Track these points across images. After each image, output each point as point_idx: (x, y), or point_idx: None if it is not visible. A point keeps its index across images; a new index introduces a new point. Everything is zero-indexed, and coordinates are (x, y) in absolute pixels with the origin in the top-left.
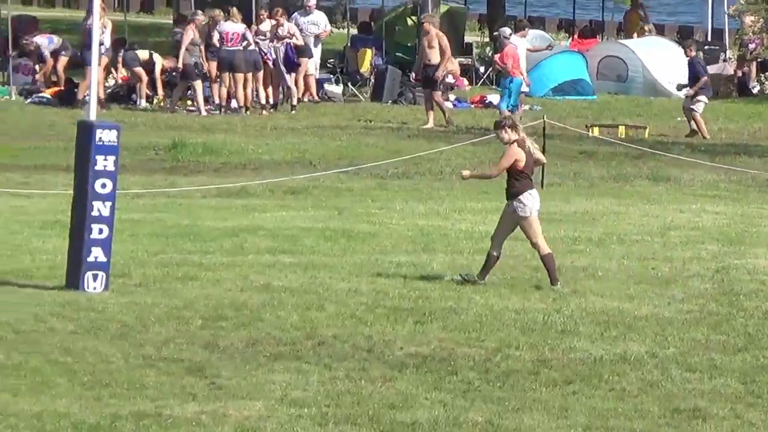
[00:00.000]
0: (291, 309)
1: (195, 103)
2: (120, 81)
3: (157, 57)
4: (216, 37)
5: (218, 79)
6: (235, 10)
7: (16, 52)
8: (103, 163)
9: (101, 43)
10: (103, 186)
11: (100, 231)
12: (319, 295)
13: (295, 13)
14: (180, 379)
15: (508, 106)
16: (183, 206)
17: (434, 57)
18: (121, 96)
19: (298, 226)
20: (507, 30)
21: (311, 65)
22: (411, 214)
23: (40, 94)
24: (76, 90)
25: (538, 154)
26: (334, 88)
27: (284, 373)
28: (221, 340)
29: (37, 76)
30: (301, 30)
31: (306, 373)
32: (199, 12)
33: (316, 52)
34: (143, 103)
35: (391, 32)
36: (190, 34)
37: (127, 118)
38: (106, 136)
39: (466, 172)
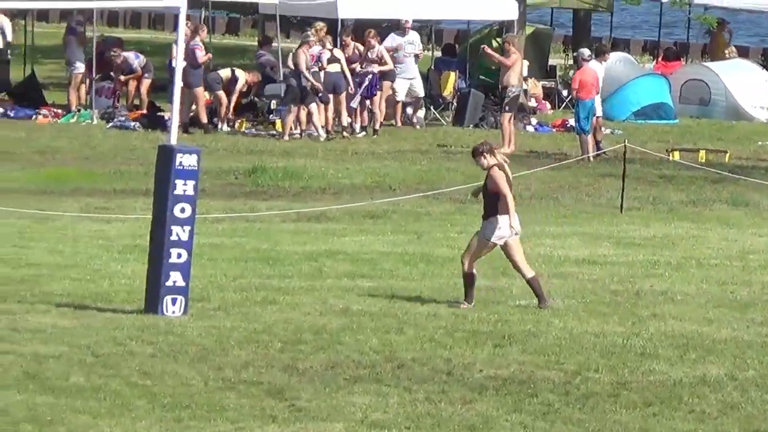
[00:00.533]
0: (370, 332)
1: (311, 126)
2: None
3: (239, 72)
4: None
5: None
6: (313, 32)
7: (99, 76)
8: (183, 187)
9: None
10: (183, 210)
11: (179, 255)
12: (398, 318)
13: (392, 33)
14: (260, 401)
15: (577, 130)
16: (262, 231)
17: (512, 79)
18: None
19: (378, 251)
20: (586, 51)
21: (401, 88)
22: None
23: (122, 118)
24: (159, 113)
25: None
26: (417, 112)
27: (364, 395)
28: (301, 363)
29: (129, 86)
30: (396, 50)
31: (386, 395)
32: (310, 34)
33: (414, 71)
34: (224, 127)
35: (475, 54)
36: (303, 57)
37: (207, 143)
38: (186, 160)
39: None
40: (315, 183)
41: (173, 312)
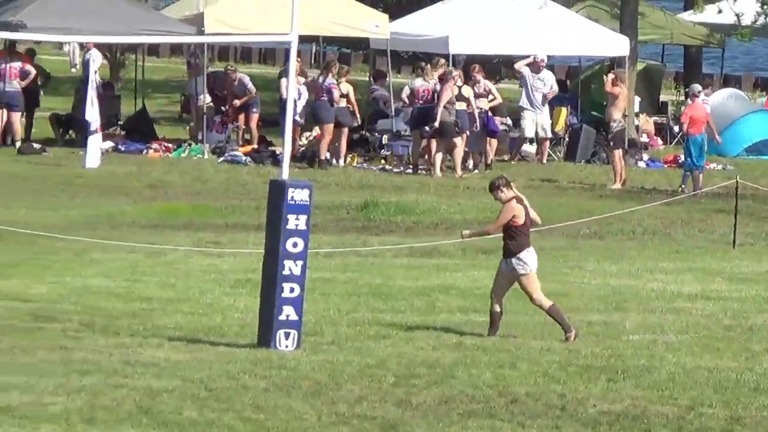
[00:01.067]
0: (483, 367)
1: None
2: (313, 139)
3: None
4: (406, 93)
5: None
6: (428, 67)
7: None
8: (295, 222)
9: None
10: (295, 245)
11: (292, 290)
12: (511, 353)
13: (528, 70)
14: None
15: (686, 166)
16: (374, 265)
17: (615, 114)
18: (314, 154)
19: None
20: (697, 87)
21: (528, 125)
22: (602, 273)
23: (233, 153)
24: (270, 148)
25: (534, 215)
26: (529, 148)
27: (478, 430)
28: (414, 397)
29: (240, 121)
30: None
31: (500, 430)
32: (454, 70)
33: (543, 109)
34: (341, 162)
35: (586, 90)
36: (449, 92)
37: (319, 177)
38: (298, 195)
39: (466, 232)
40: (427, 218)
41: (286, 346)
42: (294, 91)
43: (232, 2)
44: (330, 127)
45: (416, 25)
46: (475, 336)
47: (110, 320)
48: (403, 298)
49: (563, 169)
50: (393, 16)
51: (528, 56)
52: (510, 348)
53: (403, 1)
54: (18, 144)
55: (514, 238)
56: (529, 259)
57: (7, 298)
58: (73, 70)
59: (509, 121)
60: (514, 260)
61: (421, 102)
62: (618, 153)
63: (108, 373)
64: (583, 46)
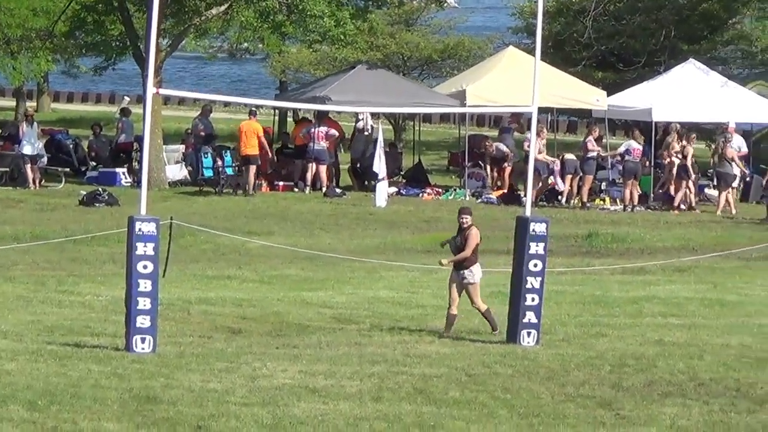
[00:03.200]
0: (678, 358)
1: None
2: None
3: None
4: (621, 150)
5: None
6: (637, 132)
7: (470, 163)
8: (536, 248)
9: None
10: (535, 265)
11: (533, 299)
12: (699, 347)
13: (726, 134)
14: (593, 411)
15: None
16: (596, 281)
17: None
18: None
19: (684, 296)
20: None
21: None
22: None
23: (488, 196)
24: (516, 192)
25: None
26: (712, 192)
27: (672, 407)
28: (625, 381)
29: (495, 173)
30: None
31: (689, 407)
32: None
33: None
34: (572, 202)
35: (757, 148)
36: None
37: (553, 214)
38: (537, 227)
39: (444, 261)
40: (636, 245)
41: (528, 342)
42: (535, 149)
43: (488, 82)
44: (589, 178)
45: (626, 99)
46: (672, 335)
47: (394, 322)
48: (617, 305)
49: (739, 208)
50: (609, 93)
51: (715, 123)
52: (698, 344)
53: (617, 81)
54: (324, 189)
55: (471, 255)
56: (476, 271)
57: (317, 305)
58: (366, 132)
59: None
60: (466, 272)
61: (635, 156)
62: None
63: (392, 363)
64: (754, 115)
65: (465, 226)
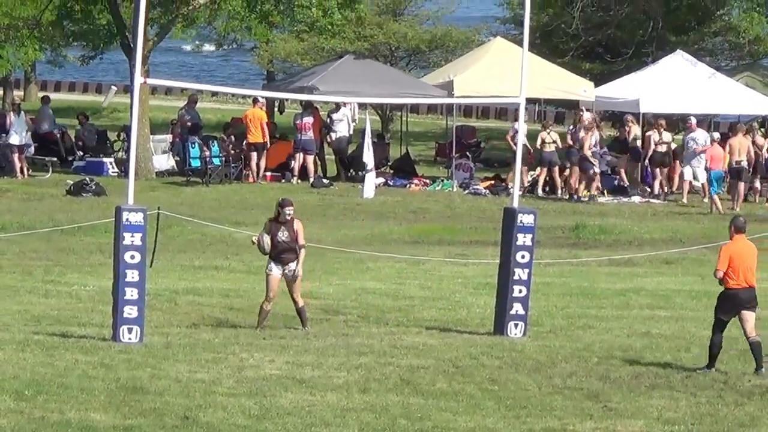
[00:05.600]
0: (665, 350)
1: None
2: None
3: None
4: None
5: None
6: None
7: (458, 155)
8: (523, 239)
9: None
10: (523, 257)
11: (520, 291)
12: (686, 340)
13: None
14: (580, 403)
15: None
16: (583, 273)
17: None
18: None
19: (671, 288)
20: None
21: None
22: (760, 279)
23: (476, 187)
24: (503, 183)
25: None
26: (698, 183)
27: (660, 399)
28: (612, 373)
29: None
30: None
31: (677, 399)
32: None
33: (696, 162)
34: (558, 193)
35: None
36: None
37: (540, 205)
38: (525, 219)
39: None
40: (623, 237)
41: (515, 334)
42: (523, 139)
43: (475, 73)
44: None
45: (614, 90)
46: (659, 327)
47: (381, 313)
48: (604, 297)
49: (725, 201)
50: (597, 84)
51: (702, 114)
52: (685, 336)
53: (604, 72)
54: (311, 180)
55: (296, 251)
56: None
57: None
58: (352, 123)
59: None
60: (292, 264)
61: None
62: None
63: (379, 354)
64: (741, 106)
65: (287, 218)
